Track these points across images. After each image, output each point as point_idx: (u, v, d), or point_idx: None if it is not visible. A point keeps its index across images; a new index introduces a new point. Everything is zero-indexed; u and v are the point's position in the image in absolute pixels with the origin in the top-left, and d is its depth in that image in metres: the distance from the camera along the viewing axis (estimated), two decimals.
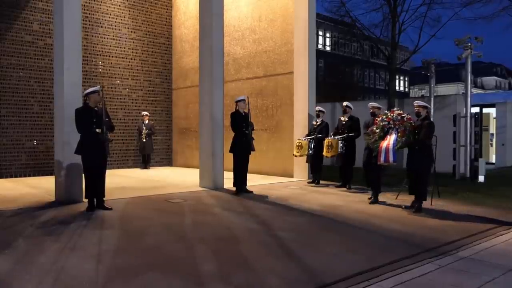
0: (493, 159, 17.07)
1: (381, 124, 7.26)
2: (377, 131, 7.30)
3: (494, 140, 17.35)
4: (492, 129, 17.53)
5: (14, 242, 5.03)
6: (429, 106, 7.41)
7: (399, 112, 7.23)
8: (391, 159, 6.91)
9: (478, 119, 12.38)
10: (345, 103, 10.02)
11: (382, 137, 7.16)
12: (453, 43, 12.18)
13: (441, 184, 8.76)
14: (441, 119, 13.55)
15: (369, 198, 8.02)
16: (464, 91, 12.78)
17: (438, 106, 14.01)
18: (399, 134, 6.99)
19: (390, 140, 7.00)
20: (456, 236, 5.43)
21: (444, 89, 47.53)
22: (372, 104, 8.61)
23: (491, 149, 17.63)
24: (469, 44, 11.88)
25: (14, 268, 4.13)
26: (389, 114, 7.24)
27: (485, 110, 17.14)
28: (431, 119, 7.29)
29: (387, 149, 6.96)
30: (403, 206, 7.42)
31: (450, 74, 48.10)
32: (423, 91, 45.52)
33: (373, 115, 8.18)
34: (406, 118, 7.06)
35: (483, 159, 12.19)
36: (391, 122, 7.12)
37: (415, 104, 7.33)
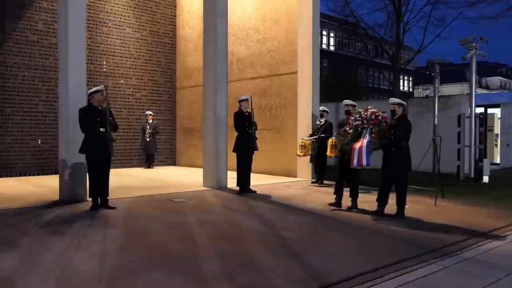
0: (497, 159, 16.99)
1: (354, 123, 6.68)
2: (350, 131, 6.72)
3: (498, 140, 17.26)
4: (497, 129, 17.45)
5: (19, 240, 5.06)
6: (405, 103, 6.83)
7: (373, 110, 6.63)
8: (364, 162, 6.34)
9: (483, 119, 12.33)
10: (348, 102, 9.96)
11: (355, 138, 6.59)
12: (457, 43, 12.13)
13: (445, 184, 8.72)
14: (446, 120, 13.52)
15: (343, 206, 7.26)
16: (468, 91, 12.73)
17: (442, 106, 13.96)
18: (373, 135, 6.43)
19: (363, 142, 6.42)
20: (460, 237, 5.41)
21: (449, 89, 47.39)
22: (346, 101, 8.01)
23: (495, 150, 17.55)
24: (474, 44, 11.82)
25: (19, 266, 4.15)
26: (362, 113, 6.66)
27: (489, 111, 17.07)
28: (408, 118, 6.77)
29: (360, 151, 6.38)
30: (407, 206, 7.40)
31: (454, 74, 47.90)
32: (427, 91, 45.40)
33: (348, 113, 7.54)
34: (381, 117, 6.50)
35: (488, 159, 12.14)
36: (364, 121, 6.53)
37: (390, 102, 6.77)
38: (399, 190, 6.64)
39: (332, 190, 9.47)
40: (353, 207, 7.19)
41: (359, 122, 6.60)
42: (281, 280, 3.84)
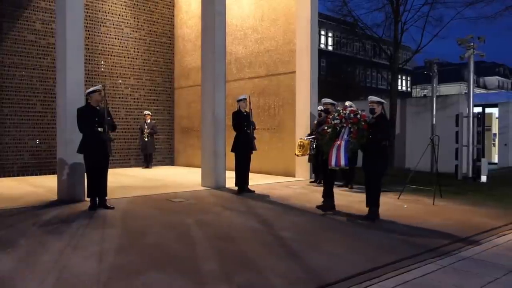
0: (495, 159, 17.03)
1: (332, 122, 6.45)
2: (328, 130, 6.52)
3: (496, 140, 17.30)
4: (495, 129, 17.50)
5: (17, 240, 5.05)
6: (384, 102, 6.56)
7: (352, 109, 6.43)
8: (342, 162, 6.14)
9: (481, 119, 12.35)
10: (347, 103, 9.98)
11: (334, 138, 6.37)
12: (455, 42, 12.14)
13: (443, 184, 8.74)
14: (444, 119, 13.55)
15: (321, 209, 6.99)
16: (466, 91, 12.75)
17: (440, 106, 13.99)
18: (351, 135, 6.21)
19: (341, 141, 6.22)
20: (459, 236, 5.42)
21: (447, 89, 47.44)
22: (325, 100, 7.78)
23: (493, 149, 17.60)
24: (472, 44, 11.85)
25: (17, 266, 4.15)
26: (341, 111, 6.43)
27: (487, 110, 17.11)
28: (387, 117, 6.54)
29: (338, 151, 6.17)
30: (405, 206, 7.41)
31: (452, 74, 47.98)
32: (425, 90, 45.43)
33: (327, 112, 7.32)
34: (360, 116, 6.27)
35: (486, 159, 12.17)
36: (343, 120, 6.31)
37: (369, 100, 6.56)
38: (372, 189, 6.34)
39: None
40: (331, 208, 6.93)
41: (338, 121, 6.36)
42: (280, 280, 3.84)
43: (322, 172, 7.00)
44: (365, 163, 6.39)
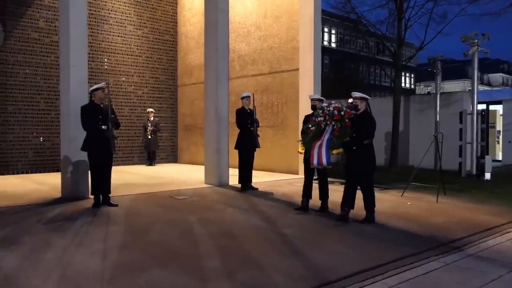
0: (499, 156, 16.96)
1: (316, 120, 6.18)
2: (312, 128, 6.25)
3: (500, 137, 17.23)
4: (499, 126, 17.42)
5: (21, 238, 5.07)
6: (369, 98, 6.24)
7: (336, 105, 6.11)
8: (324, 161, 5.90)
9: (485, 116, 12.30)
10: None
11: (317, 136, 6.11)
12: (459, 39, 12.08)
13: (447, 181, 8.72)
14: (448, 116, 13.50)
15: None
16: (470, 88, 12.69)
17: (444, 103, 13.94)
18: (334, 133, 5.95)
19: (324, 139, 5.97)
20: (462, 234, 5.41)
21: (451, 86, 47.27)
22: (312, 95, 7.43)
23: (497, 146, 17.52)
24: (476, 41, 11.78)
25: (21, 263, 4.17)
26: (325, 108, 6.16)
27: (491, 107, 17.04)
28: (371, 113, 6.21)
29: (319, 150, 5.94)
30: (408, 203, 7.40)
31: (456, 71, 47.81)
32: (429, 88, 45.33)
33: (314, 109, 6.94)
34: (344, 113, 5.98)
35: (490, 156, 12.12)
36: (327, 117, 6.04)
37: (352, 96, 6.26)
38: (365, 192, 6.09)
39: (333, 187, 9.49)
40: (323, 209, 6.75)
41: (322, 118, 6.10)
42: (282, 277, 3.85)
43: (309, 172, 6.79)
44: (352, 164, 6.04)
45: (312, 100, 7.16)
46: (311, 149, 6.05)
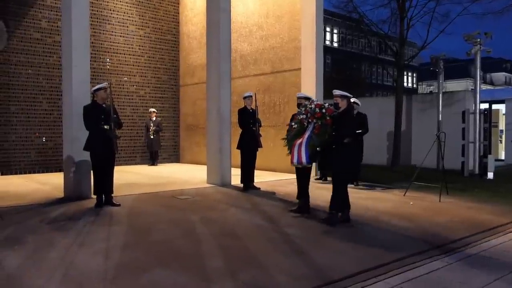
0: (502, 155, 16.91)
1: (299, 118, 6.09)
2: (295, 126, 6.19)
3: (503, 136, 17.17)
4: (502, 125, 17.37)
5: (24, 237, 5.09)
6: (350, 96, 6.04)
7: (318, 103, 6.04)
8: (303, 160, 5.81)
9: (487, 115, 12.27)
10: (352, 100, 9.95)
11: (299, 134, 6.02)
12: (462, 38, 12.05)
13: (449, 181, 8.70)
14: (450, 116, 13.47)
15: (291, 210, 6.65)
16: (473, 87, 12.66)
17: (446, 102, 13.91)
18: (314, 131, 5.84)
19: (304, 137, 5.89)
20: (465, 233, 5.40)
21: (453, 85, 47.14)
22: (299, 94, 7.30)
23: (500, 146, 17.47)
24: (478, 40, 11.75)
25: (24, 263, 4.18)
26: (307, 105, 6.08)
27: (494, 106, 16.99)
28: (354, 112, 6.06)
29: (299, 149, 5.84)
30: (411, 203, 7.39)
31: (459, 70, 47.66)
32: (431, 87, 45.20)
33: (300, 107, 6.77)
34: (326, 110, 5.86)
35: (492, 155, 12.09)
36: (308, 115, 5.95)
37: (333, 94, 6.05)
38: (333, 191, 5.85)
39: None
40: (300, 209, 6.52)
41: (304, 116, 6.02)
42: (285, 277, 3.85)
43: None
44: (333, 163, 5.87)
45: (298, 98, 7.03)
46: (292, 147, 5.99)
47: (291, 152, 6.04)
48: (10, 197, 7.82)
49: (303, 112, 6.03)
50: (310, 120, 5.93)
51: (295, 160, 5.92)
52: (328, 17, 34.89)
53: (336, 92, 5.98)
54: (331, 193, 5.91)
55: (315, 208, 6.78)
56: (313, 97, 11.09)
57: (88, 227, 5.62)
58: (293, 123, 6.26)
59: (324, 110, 5.86)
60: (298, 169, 6.51)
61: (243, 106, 8.79)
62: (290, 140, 6.16)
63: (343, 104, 5.89)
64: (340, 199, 5.85)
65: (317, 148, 5.88)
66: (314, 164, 10.91)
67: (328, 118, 5.83)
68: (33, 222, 5.91)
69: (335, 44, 41.06)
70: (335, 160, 5.83)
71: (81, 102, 7.26)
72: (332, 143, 5.82)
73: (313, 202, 6.83)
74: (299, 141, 5.93)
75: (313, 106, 5.95)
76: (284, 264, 4.19)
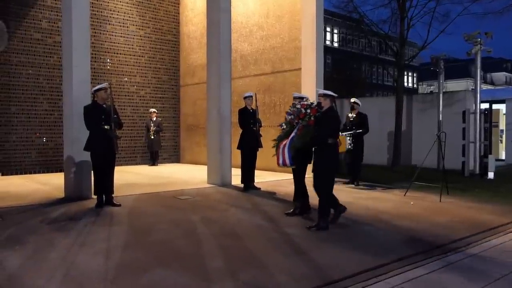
0: (503, 155, 16.90)
1: (287, 118, 6.00)
2: (284, 127, 6.15)
3: (504, 136, 17.16)
4: (502, 125, 17.35)
5: (25, 238, 5.09)
6: (333, 95, 5.80)
7: (304, 102, 5.92)
8: (287, 161, 5.74)
9: (488, 115, 12.26)
10: (353, 100, 9.98)
11: (288, 135, 5.93)
12: (462, 38, 12.05)
13: (450, 181, 8.70)
14: (450, 116, 13.46)
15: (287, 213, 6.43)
16: (473, 87, 12.66)
17: (447, 102, 13.90)
18: (297, 132, 5.75)
19: (289, 139, 5.80)
20: (465, 233, 5.40)
21: (453, 85, 47.12)
22: (295, 94, 7.10)
23: (500, 146, 17.45)
24: (479, 40, 11.75)
25: (25, 263, 4.18)
26: (296, 105, 5.96)
27: (494, 106, 16.96)
28: (336, 111, 5.83)
29: (283, 150, 5.75)
30: (411, 203, 7.39)
31: (459, 70, 47.62)
32: (431, 87, 45.19)
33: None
34: (310, 111, 5.74)
35: (493, 155, 12.08)
36: (294, 116, 5.86)
37: (317, 93, 5.93)
38: (320, 196, 5.64)
39: (336, 186, 9.44)
40: (294, 212, 6.34)
41: (291, 117, 5.94)
42: (285, 276, 3.85)
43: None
44: (314, 164, 5.74)
45: (294, 98, 6.91)
46: (277, 148, 5.94)
47: (276, 153, 5.97)
48: (10, 197, 7.83)
49: (291, 112, 5.96)
50: (296, 121, 5.87)
51: (280, 162, 5.87)
52: (329, 17, 34.90)
53: (319, 91, 5.89)
54: (319, 199, 5.68)
55: (315, 208, 6.77)
56: (310, 97, 11.16)
57: (88, 227, 5.63)
58: (282, 124, 6.20)
59: (308, 111, 5.76)
60: (293, 169, 6.46)
61: (243, 106, 8.78)
62: (278, 141, 6.09)
63: (325, 104, 5.73)
64: (327, 204, 5.66)
65: (300, 149, 5.79)
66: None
67: (312, 118, 5.73)
68: (33, 222, 5.92)
69: (336, 44, 41.05)
70: (317, 161, 5.69)
71: (81, 103, 7.26)
72: (313, 143, 5.69)
73: (313, 202, 6.81)
74: (284, 142, 5.88)
75: (299, 106, 5.87)
76: (285, 264, 4.19)
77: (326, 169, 5.64)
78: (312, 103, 6.02)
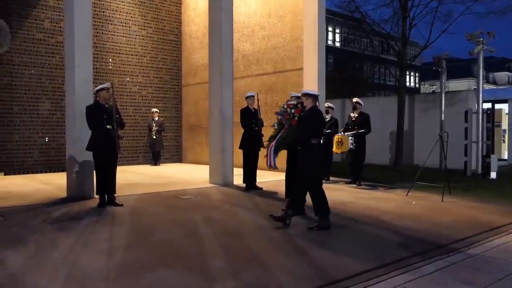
0: (505, 155, 16.86)
1: (278, 118, 5.95)
2: (275, 127, 6.07)
3: (506, 136, 17.12)
4: (505, 125, 17.31)
5: (27, 237, 5.10)
6: (315, 94, 5.68)
7: (290, 103, 5.82)
8: (272, 162, 5.70)
9: (490, 115, 12.24)
10: (355, 99, 9.97)
11: (277, 135, 5.90)
12: (464, 38, 12.03)
13: (452, 180, 8.68)
14: (453, 115, 13.43)
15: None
16: (475, 87, 12.64)
17: (449, 102, 13.87)
18: (283, 132, 5.71)
19: (276, 140, 5.73)
20: (468, 233, 5.39)
21: (456, 84, 47.02)
22: (292, 94, 6.90)
23: (503, 145, 17.41)
24: (481, 39, 11.73)
25: (27, 263, 4.19)
26: (285, 105, 5.93)
27: (497, 106, 16.93)
28: (318, 111, 5.64)
29: (270, 151, 5.69)
30: (413, 202, 7.38)
31: (461, 69, 47.52)
32: (434, 87, 45.12)
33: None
34: (295, 111, 5.66)
35: (495, 155, 12.06)
36: (283, 115, 5.82)
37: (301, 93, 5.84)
38: (313, 198, 5.60)
39: (337, 186, 9.49)
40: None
41: (281, 117, 5.85)
42: (287, 276, 3.85)
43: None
44: (298, 165, 5.65)
45: (291, 97, 6.83)
46: (267, 149, 5.87)
47: (266, 154, 5.91)
48: (13, 197, 7.85)
49: (280, 112, 5.89)
50: (284, 121, 5.79)
51: (268, 163, 5.78)
52: (330, 16, 34.88)
53: (302, 91, 5.80)
54: (312, 201, 5.63)
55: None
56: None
57: (91, 227, 5.64)
58: (275, 124, 6.14)
59: (293, 111, 5.66)
60: (288, 169, 6.43)
61: (245, 106, 8.78)
62: (269, 141, 6.05)
63: (307, 103, 5.61)
64: (299, 199, 5.58)
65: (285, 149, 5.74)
66: None
67: (296, 118, 5.63)
68: (36, 222, 5.93)
69: (337, 44, 41.03)
70: (300, 161, 5.59)
71: (83, 102, 7.27)
72: (295, 144, 5.58)
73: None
74: (272, 143, 5.83)
75: (285, 106, 5.77)
76: (286, 264, 4.19)
77: (311, 170, 5.50)
78: (297, 103, 5.91)
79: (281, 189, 8.86)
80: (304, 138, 5.48)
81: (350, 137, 9.42)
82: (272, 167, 5.77)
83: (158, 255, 4.46)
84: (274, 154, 5.64)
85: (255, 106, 8.74)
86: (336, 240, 5.10)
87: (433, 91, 34.37)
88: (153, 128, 13.56)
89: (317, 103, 5.62)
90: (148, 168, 13.28)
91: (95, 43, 11.83)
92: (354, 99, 10.00)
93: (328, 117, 10.29)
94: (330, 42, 39.02)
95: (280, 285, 3.67)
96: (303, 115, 5.64)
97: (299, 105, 5.79)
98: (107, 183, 6.96)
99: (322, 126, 5.72)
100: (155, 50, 14.44)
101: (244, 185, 8.83)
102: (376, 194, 8.47)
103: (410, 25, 14.45)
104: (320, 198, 5.57)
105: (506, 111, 17.08)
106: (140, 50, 14.06)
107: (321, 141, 5.56)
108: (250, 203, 7.42)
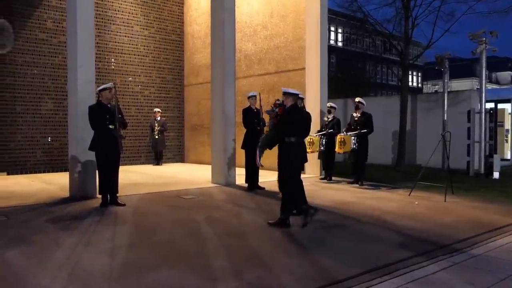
0: (508, 155, 16.81)
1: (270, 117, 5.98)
2: (267, 127, 6.17)
3: (509, 136, 17.08)
4: (507, 124, 17.27)
5: (30, 237, 5.12)
6: (296, 93, 5.68)
7: (276, 102, 5.91)
8: (257, 161, 5.73)
9: (493, 114, 12.21)
10: (357, 99, 9.96)
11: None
12: (467, 37, 12.00)
13: (455, 180, 8.67)
14: (455, 115, 13.42)
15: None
16: (478, 87, 12.60)
17: (452, 102, 13.85)
18: (267, 130, 5.75)
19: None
20: (470, 233, 5.37)
21: (458, 84, 46.91)
22: (283, 89, 6.75)
23: (506, 145, 17.36)
24: (484, 39, 11.69)
25: (30, 262, 4.20)
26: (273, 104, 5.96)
27: (500, 106, 16.88)
28: (299, 109, 5.66)
29: (257, 150, 5.73)
30: (416, 202, 7.37)
31: (464, 69, 47.38)
32: (436, 86, 45.04)
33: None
34: (278, 109, 5.70)
35: (498, 155, 12.03)
36: (270, 114, 5.84)
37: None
38: (282, 194, 5.62)
39: (340, 186, 9.48)
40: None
41: (269, 115, 5.90)
42: (289, 276, 3.85)
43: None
44: (278, 162, 5.71)
45: (283, 94, 6.88)
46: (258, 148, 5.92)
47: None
48: (16, 197, 7.87)
49: (268, 111, 5.95)
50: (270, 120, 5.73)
51: (257, 163, 5.87)
52: (333, 16, 34.82)
53: (283, 89, 5.80)
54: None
55: (320, 207, 6.76)
56: (312, 97, 11.14)
57: (93, 226, 5.65)
58: (267, 123, 6.11)
59: (276, 110, 5.69)
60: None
61: (247, 106, 8.79)
62: (260, 141, 6.10)
63: (287, 102, 5.65)
64: (289, 200, 5.61)
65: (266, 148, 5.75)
66: (319, 164, 10.96)
67: (278, 117, 5.65)
68: (38, 221, 5.94)
69: (340, 44, 40.96)
70: (278, 159, 5.66)
71: (86, 102, 7.29)
72: (273, 142, 5.66)
73: (317, 202, 6.81)
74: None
75: (272, 105, 5.80)
76: (289, 264, 4.19)
77: (284, 168, 5.58)
78: (282, 102, 5.93)
79: None
80: (278, 136, 5.50)
81: (353, 137, 9.41)
82: (258, 165, 5.84)
83: (160, 255, 4.47)
84: (260, 153, 5.71)
85: (257, 106, 8.73)
86: (338, 240, 5.10)
87: (436, 91, 34.31)
88: (155, 128, 13.57)
89: (301, 102, 5.62)
90: (150, 168, 13.29)
91: (97, 43, 11.83)
92: (357, 99, 9.99)
93: (330, 117, 10.29)
94: (332, 42, 38.96)
95: (283, 285, 3.67)
96: (281, 113, 5.66)
97: (284, 103, 5.83)
98: (110, 183, 6.97)
99: (302, 125, 5.73)
100: (158, 50, 14.45)
101: (246, 185, 8.83)
102: (378, 194, 8.46)
103: (412, 25, 14.43)
104: (287, 197, 5.59)
105: (509, 110, 17.04)
106: (143, 50, 14.07)
107: (300, 139, 5.61)
108: (252, 203, 7.42)
